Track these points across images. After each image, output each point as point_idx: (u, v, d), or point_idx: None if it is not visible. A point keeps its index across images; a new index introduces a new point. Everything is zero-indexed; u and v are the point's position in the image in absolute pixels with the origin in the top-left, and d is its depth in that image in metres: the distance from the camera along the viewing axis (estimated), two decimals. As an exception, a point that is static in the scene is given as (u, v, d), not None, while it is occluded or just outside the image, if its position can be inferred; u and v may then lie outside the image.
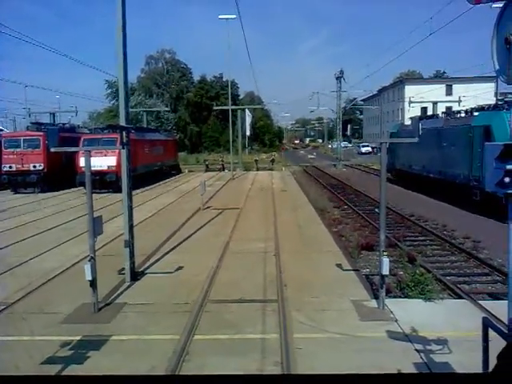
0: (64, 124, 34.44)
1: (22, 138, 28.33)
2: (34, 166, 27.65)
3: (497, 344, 2.97)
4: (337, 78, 51.51)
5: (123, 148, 10.13)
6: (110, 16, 10.13)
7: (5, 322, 7.86)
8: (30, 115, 39.92)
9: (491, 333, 3.45)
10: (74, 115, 38.65)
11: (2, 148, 27.94)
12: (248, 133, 43.93)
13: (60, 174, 28.11)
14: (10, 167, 27.68)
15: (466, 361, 5.67)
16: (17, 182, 27.88)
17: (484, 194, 17.80)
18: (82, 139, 26.46)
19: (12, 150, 27.80)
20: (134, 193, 11.33)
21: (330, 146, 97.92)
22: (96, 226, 8.36)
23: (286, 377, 3.67)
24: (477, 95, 49.00)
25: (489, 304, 8.34)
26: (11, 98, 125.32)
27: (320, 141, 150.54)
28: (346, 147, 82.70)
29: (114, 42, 10.02)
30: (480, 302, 8.52)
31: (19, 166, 27.64)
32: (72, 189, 27.06)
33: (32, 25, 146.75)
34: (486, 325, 3.50)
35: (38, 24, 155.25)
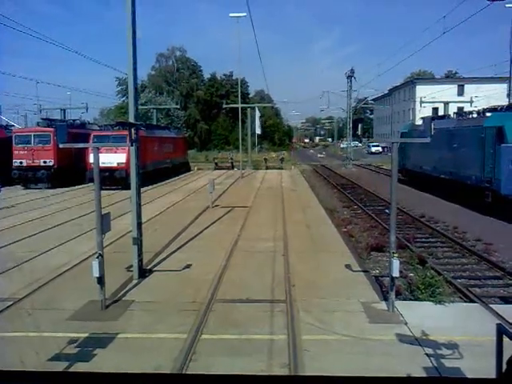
0: (74, 120, 34.58)
1: (32, 134, 28.46)
2: (45, 162, 27.79)
3: (510, 351, 2.87)
4: (348, 77, 51.12)
5: (132, 145, 10.10)
6: (121, 13, 10.11)
7: (12, 317, 7.85)
8: (41, 111, 40.14)
9: (504, 339, 3.35)
10: (84, 112, 38.88)
11: (13, 143, 28.11)
12: (259, 131, 43.75)
13: (70, 170, 28.28)
14: (21, 163, 27.83)
15: (477, 366, 5.57)
16: (27, 177, 28.01)
17: (496, 196, 17.59)
18: (91, 136, 26.56)
19: (23, 145, 27.96)
20: (142, 190, 11.30)
21: (339, 146, 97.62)
22: (104, 223, 8.34)
23: (293, 378, 3.59)
24: (489, 96, 48.47)
25: (501, 308, 8.19)
26: (23, 94, 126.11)
27: (330, 140, 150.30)
28: (356, 147, 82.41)
29: (125, 39, 10.00)
30: (491, 305, 8.37)
31: (29, 161, 27.80)
32: (82, 185, 27.21)
33: (44, 21, 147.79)
34: (501, 332, 3.40)
35: (50, 21, 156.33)
